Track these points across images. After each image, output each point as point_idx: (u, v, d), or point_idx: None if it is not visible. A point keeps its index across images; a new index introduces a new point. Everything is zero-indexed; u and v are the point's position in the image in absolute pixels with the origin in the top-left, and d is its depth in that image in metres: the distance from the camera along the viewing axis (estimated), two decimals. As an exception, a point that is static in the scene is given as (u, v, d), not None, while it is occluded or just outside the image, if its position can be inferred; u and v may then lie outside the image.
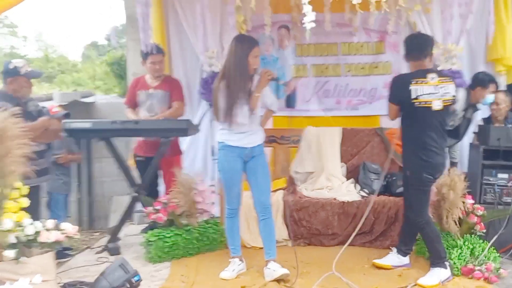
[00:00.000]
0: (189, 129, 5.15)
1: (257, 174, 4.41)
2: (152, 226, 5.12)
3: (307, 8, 3.55)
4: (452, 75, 5.15)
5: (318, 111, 6.83)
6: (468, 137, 5.87)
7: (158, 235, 4.85)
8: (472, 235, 4.67)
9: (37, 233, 3.57)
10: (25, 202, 3.69)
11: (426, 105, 4.20)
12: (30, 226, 3.55)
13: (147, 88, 5.68)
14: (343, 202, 5.30)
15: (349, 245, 4.79)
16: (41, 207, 5.04)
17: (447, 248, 4.45)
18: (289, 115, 6.69)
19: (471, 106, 5.52)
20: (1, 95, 4.57)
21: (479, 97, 5.43)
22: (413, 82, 4.22)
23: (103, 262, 4.80)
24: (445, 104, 4.23)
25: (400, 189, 4.84)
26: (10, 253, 3.47)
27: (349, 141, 6.06)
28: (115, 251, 5.11)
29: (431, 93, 4.19)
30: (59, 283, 4.01)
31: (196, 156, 6.60)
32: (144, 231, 5.37)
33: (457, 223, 4.68)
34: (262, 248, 4.52)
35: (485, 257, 4.41)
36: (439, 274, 4.21)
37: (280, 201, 5.37)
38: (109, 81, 11.45)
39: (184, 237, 4.95)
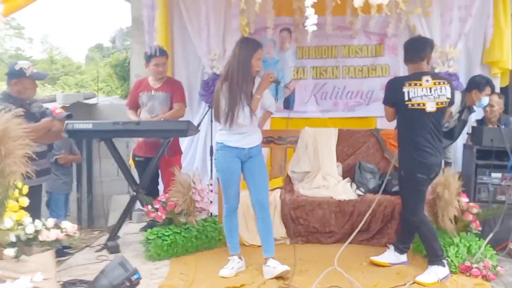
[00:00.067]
0: (189, 130, 5.19)
1: (255, 174, 4.45)
2: (151, 224, 5.16)
3: (310, 11, 3.59)
4: (448, 78, 5.20)
5: (316, 113, 6.89)
6: (462, 138, 5.93)
7: (157, 234, 4.87)
8: (468, 233, 4.71)
9: (37, 231, 3.60)
10: (26, 202, 3.72)
11: (419, 107, 4.25)
12: (30, 225, 3.59)
13: (149, 89, 5.72)
14: (340, 201, 5.34)
15: (347, 243, 4.89)
16: (41, 206, 5.07)
17: (443, 246, 4.48)
18: (287, 117, 6.72)
19: (466, 108, 5.57)
20: (5, 96, 4.61)
21: (475, 100, 5.48)
22: (406, 84, 4.28)
23: (102, 261, 4.81)
24: (439, 106, 4.27)
25: (396, 188, 4.90)
26: (10, 252, 3.50)
27: (345, 141, 6.08)
28: (114, 250, 5.14)
29: (425, 95, 4.24)
30: (59, 281, 4.02)
31: (195, 156, 6.67)
32: (143, 229, 5.37)
33: (453, 221, 4.71)
34: (260, 246, 4.54)
35: (482, 255, 4.44)
36: (436, 271, 4.24)
37: (277, 199, 5.40)
38: (112, 83, 11.48)
39: (183, 236, 4.98)
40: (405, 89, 4.27)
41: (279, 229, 5.29)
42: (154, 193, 5.54)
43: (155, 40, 5.70)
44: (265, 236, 4.47)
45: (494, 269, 4.35)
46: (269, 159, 6.11)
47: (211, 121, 5.76)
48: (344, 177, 5.87)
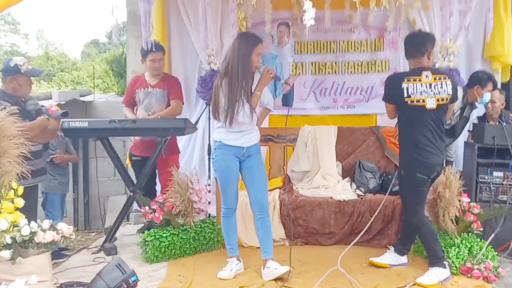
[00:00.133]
0: (186, 128, 5.14)
1: (253, 173, 4.39)
2: (149, 226, 5.10)
3: (308, 5, 3.54)
4: (449, 73, 5.14)
5: (315, 110, 6.85)
6: (463, 136, 5.89)
7: (154, 235, 4.83)
8: (469, 234, 4.66)
9: (33, 233, 3.54)
10: (21, 202, 3.67)
11: (419, 104, 4.19)
12: (26, 227, 3.53)
13: (145, 86, 5.67)
14: (340, 201, 5.29)
15: (346, 244, 4.86)
16: (38, 207, 5.02)
17: (444, 247, 4.44)
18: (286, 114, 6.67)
19: (468, 104, 5.51)
20: (0, 93, 4.54)
21: (477, 96, 5.42)
22: (405, 80, 4.23)
23: (99, 263, 4.78)
24: (440, 103, 4.21)
25: (396, 188, 4.85)
26: (5, 254, 3.45)
27: (345, 139, 6.05)
28: (111, 251, 5.10)
29: (424, 91, 4.19)
30: (55, 283, 4.00)
31: (193, 154, 6.61)
32: (141, 231, 5.34)
33: (454, 221, 4.68)
34: (259, 247, 4.49)
35: (483, 256, 4.41)
36: (437, 273, 4.19)
37: (276, 200, 5.35)
38: (108, 79, 11.44)
39: (180, 237, 4.93)
40: (404, 85, 4.22)
41: (278, 230, 5.24)
42: (151, 193, 5.51)
43: (152, 35, 5.61)
44: (264, 237, 4.43)
45: (496, 270, 4.31)
46: (267, 158, 6.07)
47: (209, 119, 5.69)
48: (344, 176, 5.84)
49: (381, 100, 4.63)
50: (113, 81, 10.69)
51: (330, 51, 6.85)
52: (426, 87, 4.19)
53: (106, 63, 11.19)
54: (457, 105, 5.25)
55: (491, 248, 4.53)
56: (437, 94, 4.20)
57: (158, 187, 5.86)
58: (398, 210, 5.06)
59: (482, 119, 5.76)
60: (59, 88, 12.84)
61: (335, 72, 6.85)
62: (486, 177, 5.12)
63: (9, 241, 3.49)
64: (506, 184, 5.07)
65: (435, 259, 4.26)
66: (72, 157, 5.99)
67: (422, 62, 4.30)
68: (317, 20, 3.62)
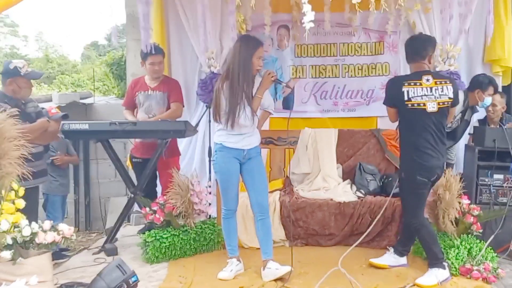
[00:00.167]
0: (187, 130, 5.14)
1: (254, 175, 4.40)
2: (149, 227, 5.10)
3: (307, 7, 3.54)
4: (451, 77, 5.15)
5: (315, 113, 6.84)
6: (464, 139, 5.89)
7: (155, 236, 4.84)
8: (469, 235, 4.66)
9: (34, 234, 3.55)
10: (22, 204, 3.67)
11: (420, 107, 4.19)
12: (27, 227, 3.54)
13: (146, 89, 5.67)
14: (340, 203, 5.29)
15: (346, 245, 4.87)
16: (39, 208, 5.02)
17: (444, 248, 4.45)
18: (286, 117, 6.63)
19: (469, 108, 5.52)
20: (0, 96, 4.55)
21: (478, 100, 5.42)
22: (405, 84, 4.23)
23: (100, 263, 4.79)
24: (441, 106, 4.21)
25: (396, 190, 4.86)
26: (6, 254, 3.45)
27: (345, 142, 6.06)
28: (112, 252, 5.10)
29: (425, 94, 4.19)
30: (56, 284, 4.00)
31: (193, 157, 6.61)
32: (141, 232, 5.35)
33: (454, 223, 4.69)
34: (259, 248, 4.49)
35: (483, 257, 4.41)
36: (437, 274, 4.19)
37: (276, 201, 5.35)
38: (109, 82, 11.43)
39: (181, 238, 4.94)
40: (404, 89, 4.22)
41: (278, 231, 5.24)
42: (152, 195, 5.51)
43: (151, 37, 5.62)
44: (265, 238, 4.43)
45: (495, 271, 4.31)
46: (268, 161, 6.09)
47: (209, 121, 5.69)
48: (344, 178, 5.84)
49: (382, 103, 4.63)
50: (113, 84, 10.68)
51: (330, 54, 6.85)
52: (427, 91, 4.19)
53: (106, 65, 11.17)
54: (458, 108, 5.25)
55: (490, 249, 4.53)
56: (437, 98, 4.19)
57: (158, 189, 5.86)
58: (398, 212, 5.06)
59: (483, 122, 5.76)
60: (59, 91, 12.83)
61: (336, 76, 6.84)
62: (487, 180, 5.12)
63: (10, 241, 3.49)
64: (506, 187, 5.08)
65: (434, 260, 4.26)
66: (72, 158, 6.00)
67: (423, 66, 4.30)
68: (317, 23, 3.60)
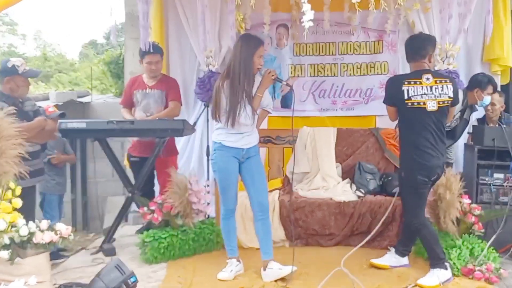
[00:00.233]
0: (185, 129, 5.11)
1: (253, 174, 4.38)
2: (147, 226, 5.08)
3: (306, 7, 3.52)
4: (450, 76, 5.13)
5: (314, 112, 6.80)
6: (463, 138, 5.88)
7: (153, 236, 4.81)
8: (471, 235, 4.66)
9: (31, 233, 3.52)
10: (19, 203, 3.65)
11: (420, 106, 4.18)
12: (24, 227, 3.51)
13: (143, 87, 5.65)
14: (340, 202, 5.28)
15: (347, 245, 4.88)
16: (36, 207, 5.00)
17: (445, 249, 4.43)
18: (285, 116, 6.57)
19: (468, 107, 5.51)
20: None
21: (477, 99, 5.41)
22: (405, 83, 4.22)
23: (98, 263, 4.76)
24: (441, 105, 4.20)
25: (396, 189, 4.84)
26: (4, 254, 3.42)
27: (344, 141, 6.06)
28: (110, 252, 5.08)
29: (425, 93, 4.17)
30: (54, 284, 3.97)
31: (192, 156, 6.58)
32: (139, 231, 5.33)
33: (455, 223, 4.67)
34: (259, 249, 4.47)
35: (485, 257, 4.40)
36: (438, 274, 4.18)
37: (276, 201, 5.34)
38: (106, 80, 11.40)
39: (180, 238, 4.91)
40: (404, 88, 4.21)
41: (278, 232, 5.22)
42: (150, 194, 5.49)
43: (150, 36, 5.59)
44: (265, 238, 4.41)
45: (497, 271, 4.30)
46: (266, 160, 6.07)
47: (207, 120, 5.66)
48: (343, 177, 5.84)
49: (381, 102, 4.63)
50: (111, 82, 10.67)
51: (329, 53, 6.81)
52: (427, 90, 4.18)
53: (104, 64, 11.15)
54: (457, 107, 5.24)
55: (492, 249, 4.52)
56: (437, 97, 4.19)
57: (156, 188, 5.83)
58: (399, 212, 5.05)
59: (482, 121, 5.75)
60: (57, 89, 12.82)
61: (334, 74, 6.81)
62: (487, 179, 5.13)
63: (7, 241, 3.46)
64: (506, 186, 5.07)
65: (436, 260, 4.24)
66: (69, 157, 5.96)
67: (423, 65, 4.29)
68: (316, 22, 3.58)
